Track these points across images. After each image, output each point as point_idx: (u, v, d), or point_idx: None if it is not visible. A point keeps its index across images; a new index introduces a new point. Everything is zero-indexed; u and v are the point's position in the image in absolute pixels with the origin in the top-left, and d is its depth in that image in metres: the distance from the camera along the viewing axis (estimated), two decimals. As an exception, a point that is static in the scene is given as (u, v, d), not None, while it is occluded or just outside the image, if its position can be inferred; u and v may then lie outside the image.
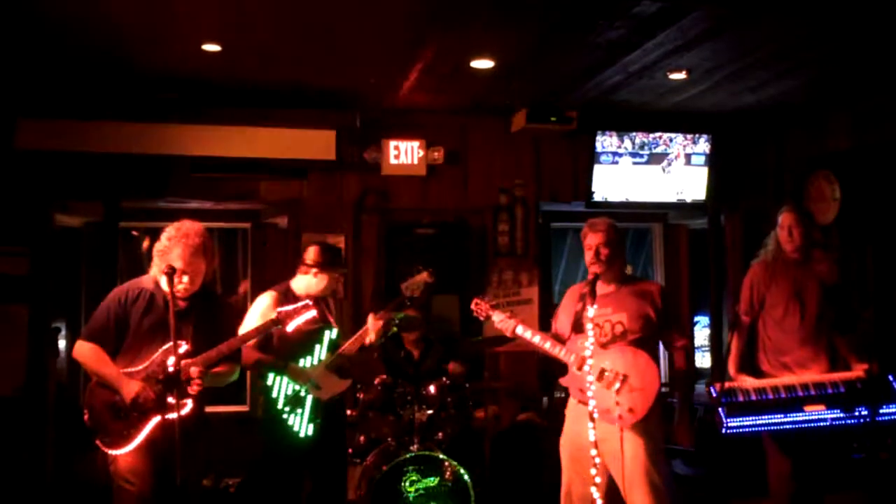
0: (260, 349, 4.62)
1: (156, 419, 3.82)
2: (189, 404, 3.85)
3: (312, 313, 4.25)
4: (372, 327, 4.81)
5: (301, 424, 4.63)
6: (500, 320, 4.26)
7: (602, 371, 3.99)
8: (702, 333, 8.00)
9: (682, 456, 6.64)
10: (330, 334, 4.82)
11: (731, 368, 4.60)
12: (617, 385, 3.95)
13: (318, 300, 4.77)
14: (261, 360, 4.62)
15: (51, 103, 6.13)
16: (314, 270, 4.73)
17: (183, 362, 3.75)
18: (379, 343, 4.98)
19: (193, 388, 3.82)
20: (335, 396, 4.78)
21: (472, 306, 4.40)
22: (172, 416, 3.68)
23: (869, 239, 6.36)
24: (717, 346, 7.30)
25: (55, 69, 5.60)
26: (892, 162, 6.10)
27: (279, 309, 4.23)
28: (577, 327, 4.07)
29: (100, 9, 4.54)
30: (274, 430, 4.65)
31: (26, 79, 5.79)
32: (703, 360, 7.93)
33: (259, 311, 4.65)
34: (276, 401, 4.63)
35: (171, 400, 3.72)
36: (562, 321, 4.31)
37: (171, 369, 3.75)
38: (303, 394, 4.63)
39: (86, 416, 3.92)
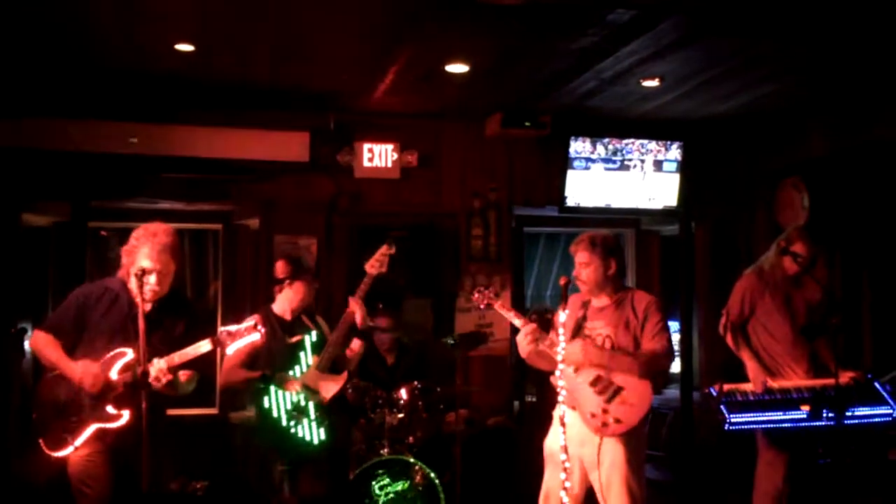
0: (248, 368, 4.60)
1: (93, 427, 3.74)
2: (125, 416, 3.75)
3: (256, 336, 3.89)
4: (356, 308, 4.79)
5: (311, 433, 4.60)
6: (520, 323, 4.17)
7: (598, 377, 4.05)
8: (672, 339, 8.01)
9: (653, 461, 6.68)
10: (310, 338, 4.82)
11: (761, 375, 4.72)
12: (609, 394, 4.00)
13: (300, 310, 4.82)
14: (250, 378, 4.59)
15: (19, 101, 6.02)
16: (286, 282, 4.79)
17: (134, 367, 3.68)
18: (366, 328, 4.97)
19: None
20: (336, 395, 4.77)
21: (475, 295, 4.44)
22: (111, 425, 3.69)
23: (838, 246, 6.43)
24: (687, 352, 7.34)
25: (24, 66, 5.51)
26: (865, 168, 6.17)
27: (221, 329, 3.92)
28: (576, 334, 4.15)
29: (71, 6, 4.48)
30: (281, 440, 4.60)
31: (-6, 75, 5.71)
32: (673, 366, 7.94)
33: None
34: (278, 419, 4.59)
35: (109, 409, 3.71)
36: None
37: (114, 377, 3.74)
38: (302, 403, 4.59)
39: (34, 415, 3.87)
